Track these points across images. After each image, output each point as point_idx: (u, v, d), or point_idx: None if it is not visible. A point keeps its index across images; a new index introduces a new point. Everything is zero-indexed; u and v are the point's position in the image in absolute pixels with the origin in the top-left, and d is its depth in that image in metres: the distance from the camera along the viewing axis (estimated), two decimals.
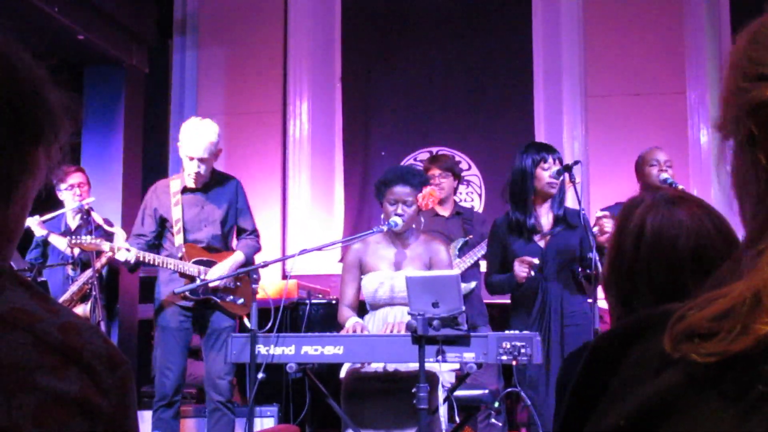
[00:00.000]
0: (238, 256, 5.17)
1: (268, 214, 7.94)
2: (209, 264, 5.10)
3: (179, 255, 5.09)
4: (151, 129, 7.94)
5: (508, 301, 4.83)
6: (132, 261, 4.97)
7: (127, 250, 4.97)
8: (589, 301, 4.56)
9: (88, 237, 5.22)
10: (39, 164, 1.05)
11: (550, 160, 4.64)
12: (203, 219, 5.18)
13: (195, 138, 5.05)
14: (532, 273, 4.48)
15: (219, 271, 5.03)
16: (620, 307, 1.76)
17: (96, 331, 0.99)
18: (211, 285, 4.99)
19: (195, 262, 5.07)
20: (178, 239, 5.11)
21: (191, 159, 5.06)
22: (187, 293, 4.96)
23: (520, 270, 4.48)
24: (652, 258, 1.71)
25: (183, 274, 5.05)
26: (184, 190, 5.19)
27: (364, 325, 4.44)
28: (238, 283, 5.13)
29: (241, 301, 5.13)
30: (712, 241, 1.67)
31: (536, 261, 4.50)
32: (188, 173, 5.12)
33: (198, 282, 4.96)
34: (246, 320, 5.00)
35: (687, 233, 1.70)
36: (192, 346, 5.40)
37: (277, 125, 8.31)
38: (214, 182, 5.24)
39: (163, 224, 5.20)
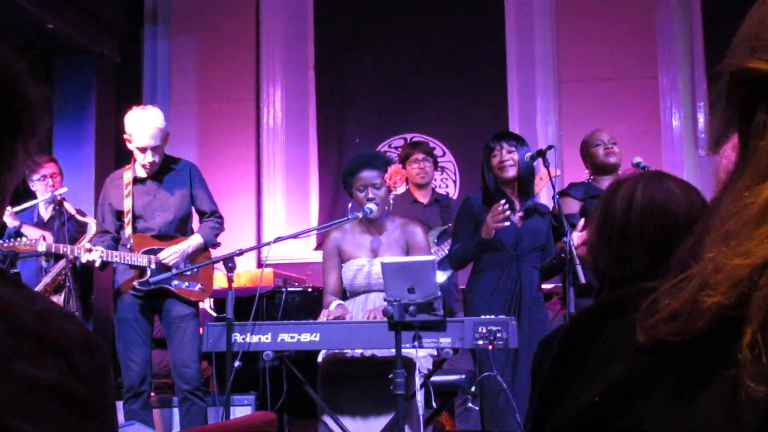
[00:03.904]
0: (194, 239, 5.08)
1: (242, 203, 7.93)
2: (159, 253, 5.00)
3: (128, 246, 5.01)
4: (122, 119, 7.87)
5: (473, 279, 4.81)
6: (98, 263, 4.88)
7: (88, 250, 4.85)
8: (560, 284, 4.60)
9: (24, 238, 5.17)
10: (17, 158, 1.04)
11: (497, 147, 4.69)
12: (156, 207, 5.07)
13: (144, 128, 4.92)
14: (506, 223, 4.46)
15: (171, 251, 4.96)
16: (613, 269, 1.78)
17: (72, 317, 0.99)
18: (167, 266, 4.92)
19: (144, 252, 4.98)
20: (128, 230, 5.02)
21: (143, 150, 4.94)
22: (136, 284, 4.91)
23: (493, 220, 4.43)
24: (644, 220, 1.74)
25: (133, 266, 4.98)
26: (136, 180, 5.08)
27: (346, 307, 4.44)
28: (195, 269, 5.01)
29: (198, 287, 5.06)
30: (701, 212, 1.70)
31: (507, 207, 4.47)
32: (141, 164, 5.01)
33: (167, 273, 4.88)
34: (207, 307, 4.95)
35: (678, 200, 1.74)
36: (157, 336, 5.38)
37: (250, 114, 8.27)
38: (166, 168, 5.12)
39: (120, 217, 5.09)
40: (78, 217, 5.60)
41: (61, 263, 5.51)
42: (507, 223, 4.46)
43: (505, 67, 8.03)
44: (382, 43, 8.24)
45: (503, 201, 4.48)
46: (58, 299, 5.41)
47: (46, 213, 6.05)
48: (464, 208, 4.83)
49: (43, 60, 7.06)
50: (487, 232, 4.48)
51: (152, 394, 5.38)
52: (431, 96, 8.12)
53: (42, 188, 5.86)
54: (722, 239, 0.70)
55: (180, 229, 5.15)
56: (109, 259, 4.92)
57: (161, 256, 4.95)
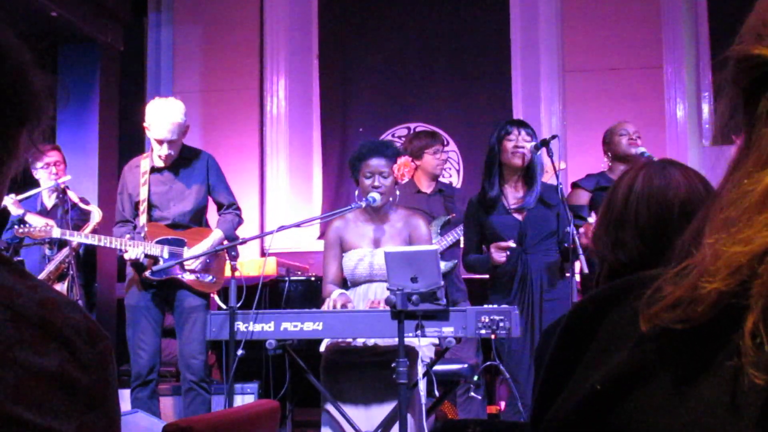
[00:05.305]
0: (216, 235, 5.11)
1: (246, 192, 7.91)
2: (173, 242, 5.04)
3: (142, 234, 5.04)
4: (126, 107, 7.88)
5: (487, 276, 4.86)
6: (142, 258, 4.95)
7: (124, 250, 4.95)
8: (567, 275, 4.60)
9: (38, 222, 5.18)
10: (21, 146, 1.05)
11: (515, 131, 4.70)
12: (172, 197, 5.11)
13: (162, 121, 4.96)
14: (506, 255, 4.54)
15: (197, 251, 4.99)
16: (609, 252, 1.79)
17: (75, 306, 0.99)
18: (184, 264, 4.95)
19: (158, 242, 5.02)
20: (143, 219, 5.05)
21: (160, 142, 4.99)
22: (147, 274, 4.94)
23: (498, 256, 4.54)
24: (640, 205, 1.75)
25: (147, 255, 5.00)
26: (153, 170, 5.12)
27: (348, 296, 4.44)
28: (207, 261, 5.06)
29: (209, 278, 5.08)
30: (702, 201, 1.69)
31: (512, 244, 4.53)
32: (158, 155, 5.05)
33: (172, 261, 4.89)
34: (216, 298, 4.98)
35: (677, 186, 1.74)
36: (167, 325, 5.39)
37: (254, 102, 8.27)
38: (183, 159, 5.16)
39: (137, 205, 5.13)
40: (81, 205, 5.60)
41: (65, 251, 5.51)
42: (508, 252, 4.54)
43: (509, 56, 8.01)
44: (386, 31, 8.22)
45: (512, 244, 4.55)
46: (62, 287, 5.41)
47: (49, 201, 6.05)
48: (467, 214, 4.91)
49: (47, 48, 7.05)
50: (495, 263, 4.56)
51: None
52: (435, 85, 8.11)
53: (45, 176, 5.86)
54: (722, 226, 0.70)
55: (195, 219, 5.19)
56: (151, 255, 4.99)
57: (188, 254, 4.98)
